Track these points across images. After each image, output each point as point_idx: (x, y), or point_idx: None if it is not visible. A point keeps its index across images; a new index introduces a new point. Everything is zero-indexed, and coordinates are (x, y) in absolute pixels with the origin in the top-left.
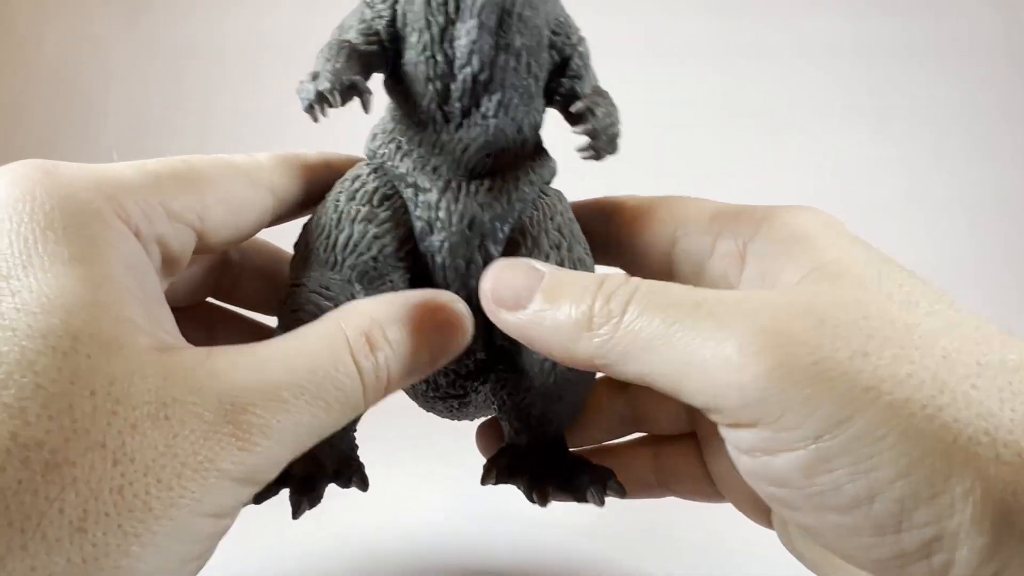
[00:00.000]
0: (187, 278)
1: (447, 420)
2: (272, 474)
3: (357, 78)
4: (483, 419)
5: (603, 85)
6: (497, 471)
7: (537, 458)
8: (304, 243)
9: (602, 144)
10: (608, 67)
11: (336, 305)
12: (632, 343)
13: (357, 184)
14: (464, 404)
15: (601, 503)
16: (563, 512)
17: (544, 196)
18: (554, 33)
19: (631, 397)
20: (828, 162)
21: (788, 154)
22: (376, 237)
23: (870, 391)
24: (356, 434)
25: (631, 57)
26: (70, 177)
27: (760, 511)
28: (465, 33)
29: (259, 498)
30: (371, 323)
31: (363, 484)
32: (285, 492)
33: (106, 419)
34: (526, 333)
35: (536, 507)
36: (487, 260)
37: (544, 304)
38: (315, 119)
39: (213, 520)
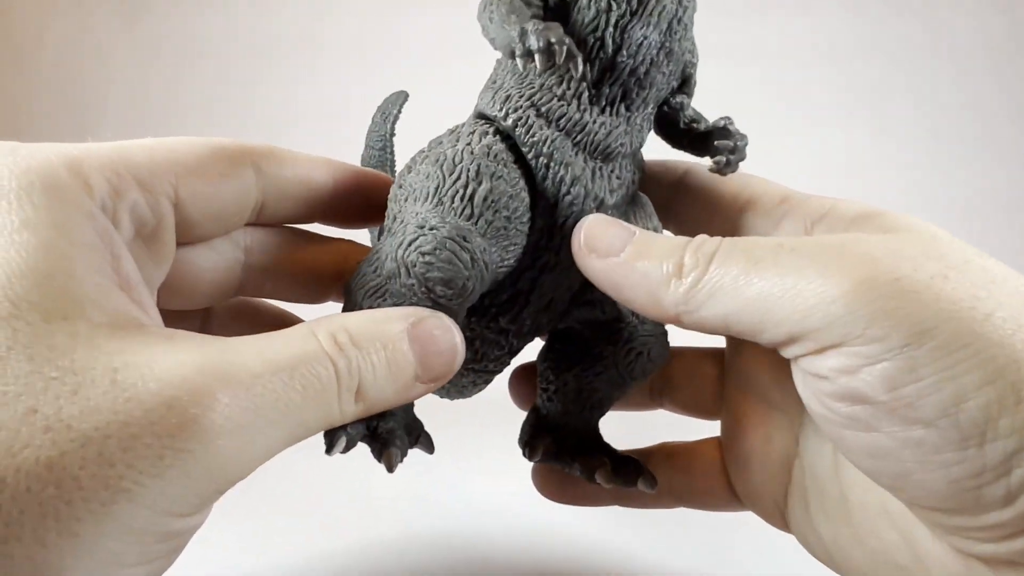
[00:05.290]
0: (209, 278)
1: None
2: (238, 475)
3: (567, 41)
4: (515, 368)
5: None
6: (544, 450)
7: (576, 440)
8: (422, 184)
9: (737, 158)
10: None
11: (472, 259)
12: (717, 285)
13: (487, 141)
14: (487, 383)
15: (653, 487)
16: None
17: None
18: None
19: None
20: (827, 162)
21: (788, 154)
22: (511, 198)
23: (953, 305)
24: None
25: None
26: (33, 153)
27: (777, 513)
28: (641, 27)
29: (331, 449)
30: (339, 327)
31: (429, 447)
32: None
33: (42, 383)
34: (615, 279)
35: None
36: None
37: (634, 256)
38: (578, 70)
39: (163, 517)
